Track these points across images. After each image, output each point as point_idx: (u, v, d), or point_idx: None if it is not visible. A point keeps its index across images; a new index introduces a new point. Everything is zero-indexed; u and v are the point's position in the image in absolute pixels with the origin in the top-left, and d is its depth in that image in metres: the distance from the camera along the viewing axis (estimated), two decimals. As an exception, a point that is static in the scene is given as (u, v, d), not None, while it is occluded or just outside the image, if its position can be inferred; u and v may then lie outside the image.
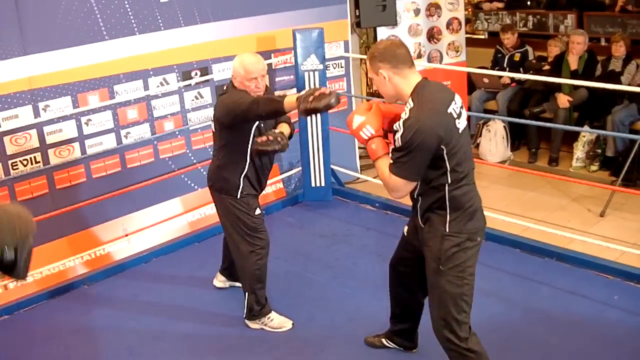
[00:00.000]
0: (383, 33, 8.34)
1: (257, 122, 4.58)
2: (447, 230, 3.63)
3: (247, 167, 4.69)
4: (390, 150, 3.56)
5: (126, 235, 6.20)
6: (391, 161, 3.51)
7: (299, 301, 5.32)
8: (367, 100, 3.86)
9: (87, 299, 5.61)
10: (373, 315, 4.85)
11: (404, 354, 4.56)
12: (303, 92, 4.08)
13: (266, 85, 4.74)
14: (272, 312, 5.04)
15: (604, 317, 4.93)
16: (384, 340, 4.64)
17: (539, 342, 4.66)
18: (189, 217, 6.60)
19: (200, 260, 6.05)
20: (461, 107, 3.57)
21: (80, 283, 5.79)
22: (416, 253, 3.93)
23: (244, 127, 4.57)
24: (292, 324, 5.02)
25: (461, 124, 3.52)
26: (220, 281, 5.59)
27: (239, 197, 4.74)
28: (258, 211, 4.83)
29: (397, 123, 3.48)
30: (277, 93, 6.79)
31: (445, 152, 3.43)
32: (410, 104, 3.46)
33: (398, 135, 3.45)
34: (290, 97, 4.22)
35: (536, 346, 4.62)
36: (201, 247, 6.37)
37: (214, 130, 4.83)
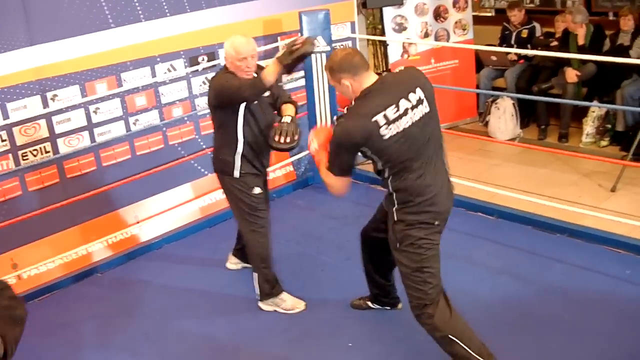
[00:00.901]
0: (389, 13, 8.31)
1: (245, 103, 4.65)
2: (395, 217, 3.84)
3: (241, 146, 4.73)
4: None
5: (138, 223, 6.22)
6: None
7: (312, 283, 5.34)
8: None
9: (101, 286, 5.65)
10: (386, 295, 4.87)
11: (415, 332, 4.55)
12: (280, 53, 4.26)
13: (258, 65, 4.75)
14: (284, 293, 5.08)
15: (617, 291, 4.93)
16: (368, 303, 4.89)
17: (553, 319, 4.66)
18: (200, 203, 6.61)
19: (213, 245, 6.07)
20: (406, 111, 3.66)
21: (93, 271, 5.82)
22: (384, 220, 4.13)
23: (234, 108, 4.64)
24: (305, 305, 5.05)
25: (390, 130, 3.62)
26: (232, 263, 5.62)
27: (237, 176, 4.81)
28: (257, 190, 4.86)
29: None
30: (284, 77, 6.81)
31: (371, 152, 3.69)
32: (351, 106, 3.73)
33: None
34: (268, 67, 4.45)
35: (551, 323, 4.63)
36: (213, 232, 6.39)
37: (210, 113, 4.90)
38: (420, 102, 3.70)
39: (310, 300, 5.10)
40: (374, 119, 3.59)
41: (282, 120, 4.76)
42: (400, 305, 4.81)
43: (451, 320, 3.92)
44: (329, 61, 3.80)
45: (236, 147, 4.73)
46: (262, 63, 6.02)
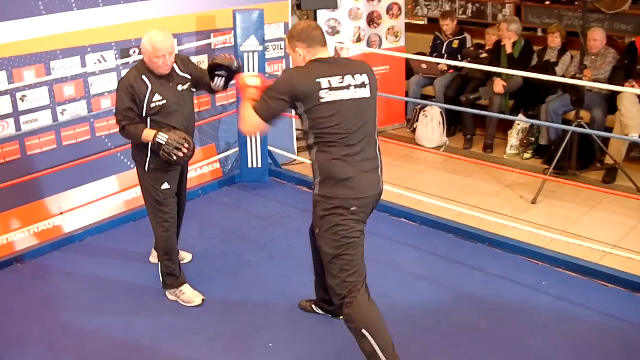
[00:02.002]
0: (323, 16, 8.36)
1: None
2: (316, 190, 3.95)
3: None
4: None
5: (61, 214, 6.13)
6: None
7: (234, 281, 5.35)
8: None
9: (21, 276, 5.54)
10: (308, 296, 4.88)
11: (335, 333, 4.61)
12: (162, 139, 4.61)
13: (178, 57, 4.83)
14: (185, 285, 5.12)
15: (533, 302, 5.05)
16: (313, 306, 4.87)
17: (469, 326, 4.76)
18: (124, 196, 6.55)
19: (136, 238, 6.02)
20: (349, 86, 3.84)
21: (12, 261, 5.71)
22: None
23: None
24: (203, 300, 5.07)
25: (329, 95, 3.78)
26: (155, 257, 5.60)
27: (147, 169, 4.84)
28: (165, 185, 4.89)
29: None
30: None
31: (303, 110, 3.82)
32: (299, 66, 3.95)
33: None
34: (148, 133, 4.65)
35: (466, 330, 4.72)
36: (136, 225, 6.34)
37: None
38: (363, 85, 3.89)
39: (232, 299, 5.11)
40: (318, 79, 3.77)
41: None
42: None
43: (368, 313, 3.96)
44: (291, 29, 4.01)
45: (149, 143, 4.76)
46: (194, 59, 6.04)
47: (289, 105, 3.84)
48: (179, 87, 4.79)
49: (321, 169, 3.88)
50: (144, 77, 4.64)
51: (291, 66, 4.23)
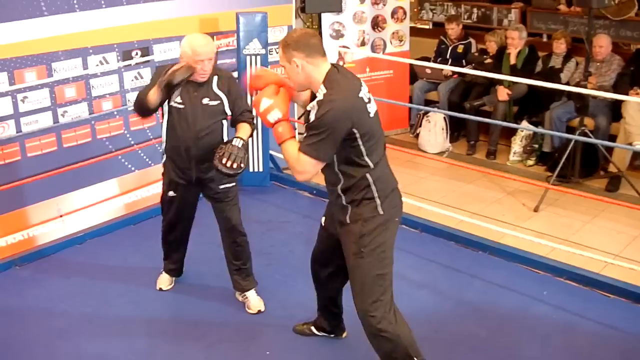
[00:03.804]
0: (328, 19, 8.33)
1: (165, 100, 4.56)
2: (378, 212, 3.67)
3: (164, 145, 4.76)
4: (305, 129, 3.59)
5: (61, 216, 6.11)
6: (303, 141, 3.55)
7: (232, 287, 5.31)
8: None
9: (19, 280, 5.52)
10: (306, 303, 4.85)
11: (333, 341, 4.62)
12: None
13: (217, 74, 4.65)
14: (163, 273, 5.31)
15: (533, 311, 5.02)
16: (312, 329, 4.70)
17: (468, 335, 4.73)
18: (125, 199, 6.53)
19: (135, 242, 6.01)
20: (369, 93, 3.65)
21: (11, 264, 5.69)
22: (335, 242, 3.96)
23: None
24: (160, 289, 5.25)
25: (371, 108, 3.60)
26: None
27: (163, 170, 4.87)
28: (170, 193, 4.86)
29: (310, 103, 3.56)
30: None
31: (358, 135, 3.49)
32: (323, 89, 3.51)
33: (312, 114, 3.49)
34: (153, 89, 4.42)
35: (465, 338, 4.70)
36: (137, 229, 6.33)
37: None
38: (369, 95, 3.66)
39: (230, 305, 5.08)
40: (360, 94, 3.54)
41: (233, 143, 4.51)
42: (345, 334, 4.66)
43: (406, 329, 3.88)
44: (286, 37, 3.63)
45: (163, 143, 4.74)
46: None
47: (345, 135, 3.47)
48: (204, 100, 4.58)
49: (379, 187, 3.65)
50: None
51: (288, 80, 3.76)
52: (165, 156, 4.79)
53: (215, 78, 4.61)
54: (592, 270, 5.43)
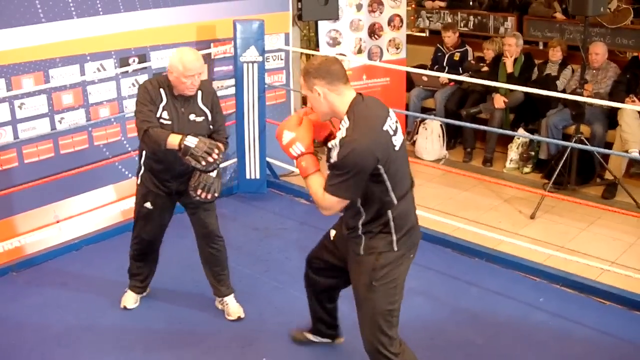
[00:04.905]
0: (324, 27, 8.35)
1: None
2: (392, 248, 3.57)
3: (144, 156, 4.73)
4: (327, 167, 3.47)
5: (57, 222, 6.11)
6: (327, 180, 3.43)
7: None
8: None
9: (15, 286, 5.52)
10: (302, 310, 4.82)
11: (329, 346, 4.62)
12: (191, 143, 4.33)
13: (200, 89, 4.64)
14: (128, 291, 5.21)
15: (529, 318, 5.03)
16: (309, 335, 4.67)
17: (464, 342, 4.74)
18: (121, 206, 6.53)
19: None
20: (396, 122, 3.53)
21: (8, 270, 5.69)
22: (340, 259, 3.92)
23: None
24: (125, 307, 5.15)
25: (397, 140, 3.47)
26: None
27: (139, 181, 4.82)
28: (148, 205, 4.81)
29: (333, 141, 3.41)
30: (215, 83, 6.77)
31: (383, 171, 3.38)
32: (346, 122, 3.38)
33: (334, 153, 3.37)
34: (174, 138, 4.35)
35: (462, 346, 4.70)
36: (133, 236, 6.31)
37: None
38: (397, 123, 3.54)
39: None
40: (384, 127, 3.40)
41: (209, 173, 4.61)
42: (342, 339, 4.64)
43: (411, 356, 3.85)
44: (307, 64, 3.50)
45: (145, 151, 4.71)
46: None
47: (370, 172, 3.36)
48: (191, 117, 4.58)
49: (397, 223, 3.54)
50: (162, 90, 4.51)
51: (307, 104, 3.64)
52: (143, 169, 4.77)
53: (200, 93, 4.61)
54: (588, 277, 5.44)
